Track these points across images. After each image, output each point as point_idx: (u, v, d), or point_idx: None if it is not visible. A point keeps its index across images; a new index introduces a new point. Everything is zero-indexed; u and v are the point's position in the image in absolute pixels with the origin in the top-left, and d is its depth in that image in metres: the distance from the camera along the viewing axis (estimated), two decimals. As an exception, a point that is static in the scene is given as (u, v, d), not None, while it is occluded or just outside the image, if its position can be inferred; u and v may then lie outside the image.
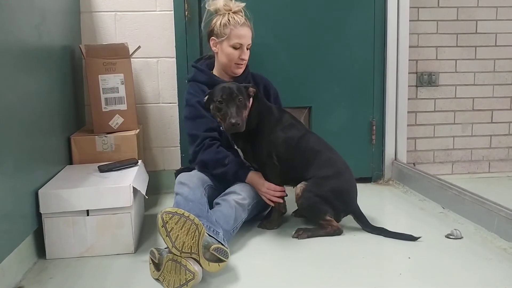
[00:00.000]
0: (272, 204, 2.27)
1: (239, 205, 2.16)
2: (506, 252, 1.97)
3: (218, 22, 2.43)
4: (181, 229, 1.69)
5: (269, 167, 2.24)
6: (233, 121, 2.06)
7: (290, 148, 2.24)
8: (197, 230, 1.71)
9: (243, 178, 2.29)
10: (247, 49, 2.46)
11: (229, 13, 2.42)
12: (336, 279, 1.77)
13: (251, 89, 2.21)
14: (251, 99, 2.22)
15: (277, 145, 2.23)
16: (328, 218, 2.18)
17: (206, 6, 2.52)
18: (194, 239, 1.70)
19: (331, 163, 2.25)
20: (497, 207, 2.14)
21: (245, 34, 2.43)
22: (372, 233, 2.20)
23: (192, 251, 1.68)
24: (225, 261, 1.75)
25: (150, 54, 2.88)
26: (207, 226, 1.84)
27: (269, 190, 2.23)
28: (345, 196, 2.23)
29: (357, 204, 2.27)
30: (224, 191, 2.28)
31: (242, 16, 2.44)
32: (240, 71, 2.49)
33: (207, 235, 1.77)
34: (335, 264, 1.91)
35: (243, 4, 2.47)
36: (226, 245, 1.81)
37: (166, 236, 1.68)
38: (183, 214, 1.73)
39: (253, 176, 2.28)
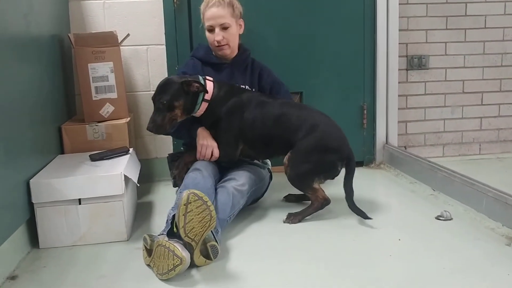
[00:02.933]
0: (197, 156, 2.26)
1: (238, 192, 2.16)
2: (494, 232, 1.99)
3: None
4: (197, 215, 1.71)
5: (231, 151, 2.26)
6: (148, 125, 2.13)
7: (258, 126, 2.24)
8: (209, 222, 1.73)
9: (195, 132, 2.29)
10: (224, 28, 2.40)
11: None
12: (326, 261, 1.79)
13: (194, 85, 2.16)
14: (209, 87, 2.22)
15: (242, 130, 2.24)
16: (315, 186, 2.18)
17: None
18: (203, 229, 1.72)
19: (302, 121, 2.23)
20: (485, 188, 2.16)
21: (212, 15, 2.39)
22: (345, 191, 2.21)
23: (195, 238, 1.71)
24: (212, 260, 1.78)
25: (140, 42, 2.87)
26: None
27: (205, 145, 2.23)
28: (331, 145, 2.21)
29: (351, 149, 2.26)
30: None
31: None
32: (224, 52, 2.45)
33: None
34: (326, 247, 1.93)
35: None
36: (219, 246, 1.83)
37: (183, 215, 1.69)
38: (206, 202, 1.74)
39: (202, 131, 2.28)
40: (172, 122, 2.16)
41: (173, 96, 2.13)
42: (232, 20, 2.42)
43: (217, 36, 2.40)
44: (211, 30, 2.41)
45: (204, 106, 2.22)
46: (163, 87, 2.15)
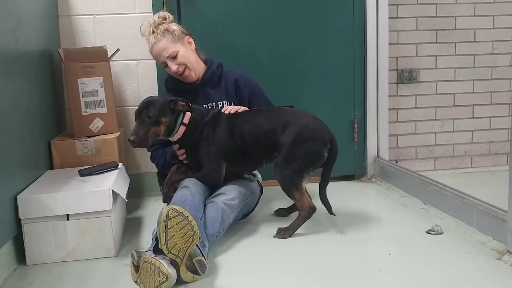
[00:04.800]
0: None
1: (227, 206, 2.14)
2: (485, 246, 1.99)
3: None
4: (179, 231, 1.70)
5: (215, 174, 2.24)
6: (130, 137, 2.06)
7: (234, 141, 2.22)
8: (192, 237, 1.72)
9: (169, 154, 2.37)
10: (174, 58, 2.40)
11: (147, 38, 2.44)
12: (316, 277, 1.78)
13: (180, 103, 2.16)
14: (186, 113, 2.20)
15: (220, 149, 2.22)
16: (303, 185, 2.16)
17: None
18: (186, 244, 1.70)
19: (274, 122, 2.21)
20: (476, 202, 2.16)
21: (156, 53, 2.42)
22: (321, 177, 2.23)
23: (179, 254, 1.69)
24: (200, 275, 1.76)
25: (130, 56, 2.87)
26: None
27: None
28: (311, 134, 2.18)
29: (330, 131, 2.23)
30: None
31: (153, 32, 2.41)
32: (189, 77, 2.44)
33: (196, 245, 1.78)
34: (316, 261, 1.91)
35: (151, 19, 2.45)
36: (207, 260, 1.82)
37: (164, 232, 1.68)
38: (187, 217, 1.73)
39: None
40: (155, 137, 2.13)
41: (160, 111, 2.11)
42: (176, 45, 2.41)
43: (172, 68, 2.41)
44: (165, 65, 2.43)
45: (182, 129, 2.19)
46: (150, 103, 2.12)
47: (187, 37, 2.47)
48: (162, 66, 2.47)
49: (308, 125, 2.20)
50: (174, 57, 2.40)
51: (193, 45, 2.50)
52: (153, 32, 2.41)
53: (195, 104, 2.30)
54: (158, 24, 2.42)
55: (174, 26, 2.44)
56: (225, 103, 2.47)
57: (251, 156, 2.27)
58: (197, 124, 2.22)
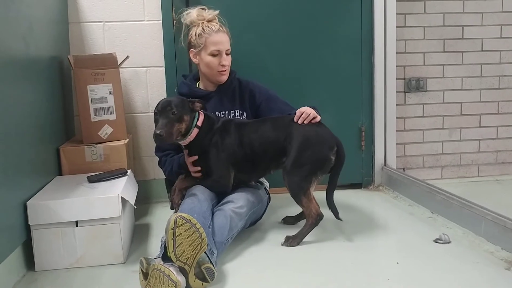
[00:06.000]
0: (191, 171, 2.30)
1: (236, 214, 2.14)
2: (493, 256, 1.98)
3: (194, 33, 2.44)
4: (187, 238, 1.71)
5: (224, 181, 2.26)
6: (157, 131, 2.05)
7: (242, 149, 2.24)
8: (200, 245, 1.73)
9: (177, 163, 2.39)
10: (227, 54, 2.45)
11: (203, 22, 2.43)
12: (325, 285, 1.77)
13: (197, 104, 2.20)
14: (200, 114, 2.23)
15: (229, 157, 2.23)
16: (311, 191, 2.16)
17: (182, 20, 2.53)
18: (194, 252, 1.71)
19: (281, 130, 2.23)
20: (484, 211, 2.15)
21: (221, 40, 2.43)
22: (329, 182, 2.24)
23: (187, 262, 1.70)
24: (209, 282, 1.76)
25: (139, 63, 2.89)
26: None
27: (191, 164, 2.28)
28: (317, 139, 2.20)
29: (336, 137, 2.24)
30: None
31: (216, 23, 2.44)
32: (224, 77, 2.48)
33: (204, 252, 1.79)
34: (324, 270, 1.91)
35: (217, 12, 2.47)
36: (216, 268, 1.82)
37: (172, 239, 1.70)
38: (195, 224, 1.74)
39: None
40: (178, 134, 2.14)
41: (183, 109, 2.14)
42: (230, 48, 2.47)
43: (225, 60, 2.44)
44: (216, 55, 2.43)
45: (195, 132, 2.20)
46: (172, 101, 2.13)
47: None
48: (212, 53, 2.42)
49: (313, 131, 2.22)
50: (227, 54, 2.46)
51: None
52: (211, 20, 2.45)
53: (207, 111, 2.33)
54: (212, 19, 2.46)
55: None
56: (237, 112, 2.49)
57: (259, 164, 2.28)
58: (208, 129, 2.24)
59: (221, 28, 2.44)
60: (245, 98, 2.53)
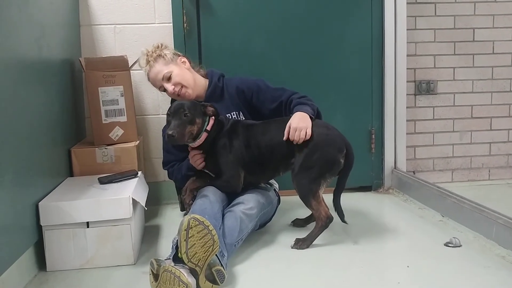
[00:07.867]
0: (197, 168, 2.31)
1: (246, 216, 2.15)
2: (505, 260, 1.97)
3: None
4: (199, 240, 1.72)
5: (234, 182, 2.26)
6: (169, 132, 2.07)
7: (250, 151, 2.24)
8: (212, 247, 1.74)
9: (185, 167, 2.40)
10: (169, 78, 2.40)
11: (144, 69, 2.48)
12: (335, 289, 1.78)
13: (209, 108, 2.21)
14: (211, 118, 2.23)
15: (238, 159, 2.24)
16: (320, 193, 2.15)
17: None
18: (206, 253, 1.72)
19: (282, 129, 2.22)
20: (495, 215, 2.14)
21: (153, 78, 2.45)
22: (336, 184, 2.25)
23: (199, 264, 1.71)
24: (219, 284, 1.76)
25: (150, 66, 2.90)
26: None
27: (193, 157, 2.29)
28: (325, 141, 2.18)
29: (345, 138, 2.23)
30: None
31: (149, 62, 2.44)
32: (188, 95, 2.42)
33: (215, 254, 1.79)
34: (334, 273, 1.91)
35: (145, 49, 2.48)
36: (226, 270, 1.82)
37: (184, 240, 1.70)
38: (208, 226, 1.75)
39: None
40: (189, 136, 2.15)
41: (195, 112, 2.15)
42: (169, 66, 2.42)
43: (169, 89, 2.42)
44: (163, 89, 2.44)
45: (204, 136, 2.21)
46: (185, 104, 2.14)
47: (180, 57, 2.49)
48: (160, 91, 2.48)
49: (323, 133, 2.21)
50: (169, 78, 2.41)
51: (188, 64, 2.50)
52: (148, 61, 2.45)
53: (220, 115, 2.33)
54: (152, 53, 2.45)
55: (166, 51, 2.46)
56: (234, 114, 2.48)
57: (267, 166, 2.28)
58: (218, 132, 2.25)
59: (151, 63, 2.43)
60: (235, 97, 2.50)
